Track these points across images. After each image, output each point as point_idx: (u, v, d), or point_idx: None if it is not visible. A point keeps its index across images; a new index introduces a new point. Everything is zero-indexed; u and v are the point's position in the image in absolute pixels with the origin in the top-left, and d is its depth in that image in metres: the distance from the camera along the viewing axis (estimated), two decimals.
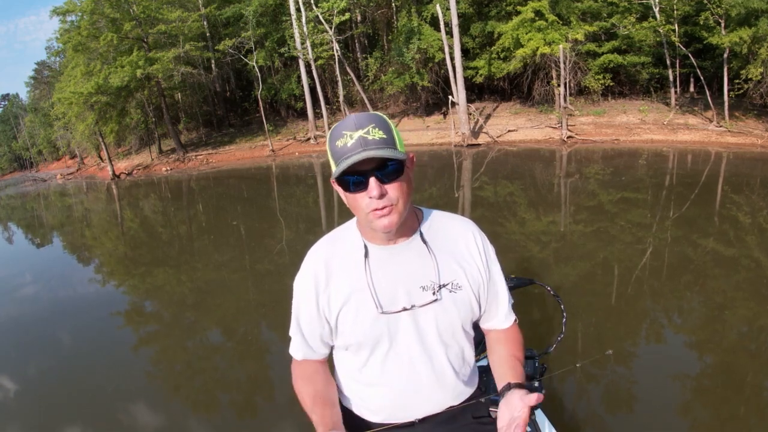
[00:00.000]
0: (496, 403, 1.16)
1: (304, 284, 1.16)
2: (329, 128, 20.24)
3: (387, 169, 1.00)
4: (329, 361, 1.28)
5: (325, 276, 1.13)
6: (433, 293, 1.11)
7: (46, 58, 47.04)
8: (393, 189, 1.02)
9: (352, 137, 0.98)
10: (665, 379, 2.96)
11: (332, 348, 1.24)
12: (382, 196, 1.00)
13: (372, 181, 0.99)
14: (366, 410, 1.23)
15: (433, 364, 1.15)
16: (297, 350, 1.21)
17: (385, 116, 1.06)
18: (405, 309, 1.10)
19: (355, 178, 1.00)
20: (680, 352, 3.36)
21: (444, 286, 1.12)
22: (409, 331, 1.12)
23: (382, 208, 1.01)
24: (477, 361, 1.64)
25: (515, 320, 1.26)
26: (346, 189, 1.03)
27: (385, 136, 1.00)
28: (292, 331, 1.21)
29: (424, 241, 1.13)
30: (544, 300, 3.96)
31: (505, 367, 1.16)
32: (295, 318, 1.20)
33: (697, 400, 2.78)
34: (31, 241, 11.24)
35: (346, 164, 0.96)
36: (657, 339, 3.57)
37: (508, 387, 1.08)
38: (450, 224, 1.20)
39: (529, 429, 1.46)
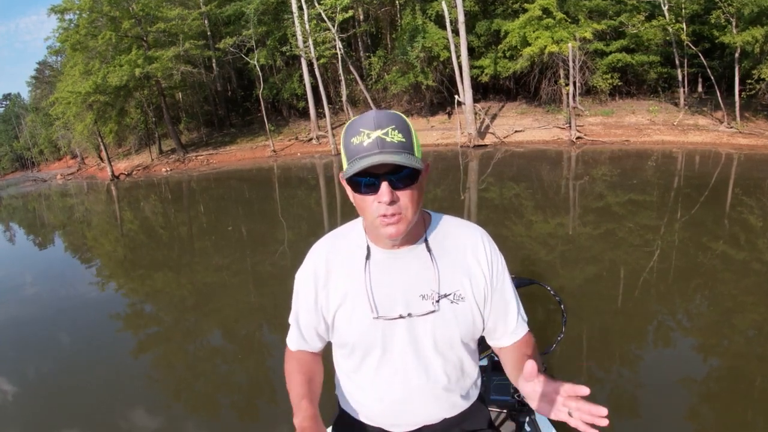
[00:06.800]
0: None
1: (304, 279, 1.14)
2: (332, 128, 20.30)
3: (401, 174, 0.95)
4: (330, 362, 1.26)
5: (324, 273, 1.11)
6: (433, 303, 1.06)
7: (45, 57, 47.18)
8: (404, 196, 0.97)
9: (369, 136, 0.93)
10: (671, 383, 2.93)
11: (329, 344, 1.22)
12: (392, 202, 0.95)
13: (384, 185, 0.94)
14: (361, 415, 1.20)
15: (428, 374, 1.10)
16: (292, 341, 1.20)
17: (406, 118, 0.99)
18: (401, 317, 1.06)
19: (366, 179, 0.95)
20: (687, 356, 3.33)
21: (445, 296, 1.07)
22: (404, 339, 1.08)
23: (391, 215, 0.96)
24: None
25: (526, 331, 1.17)
26: (356, 190, 0.98)
27: (404, 140, 0.95)
28: (291, 320, 1.20)
29: (429, 249, 1.09)
30: (545, 301, 3.90)
31: (518, 367, 1.08)
32: (294, 309, 1.18)
33: (703, 405, 2.75)
34: (33, 241, 11.23)
35: (359, 166, 0.92)
36: (664, 342, 3.54)
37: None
38: (458, 232, 1.14)
39: (528, 429, 1.47)
